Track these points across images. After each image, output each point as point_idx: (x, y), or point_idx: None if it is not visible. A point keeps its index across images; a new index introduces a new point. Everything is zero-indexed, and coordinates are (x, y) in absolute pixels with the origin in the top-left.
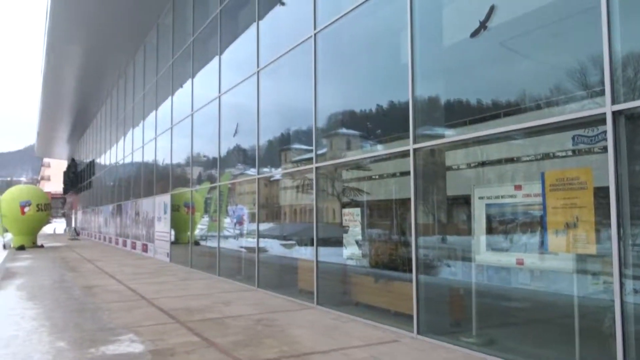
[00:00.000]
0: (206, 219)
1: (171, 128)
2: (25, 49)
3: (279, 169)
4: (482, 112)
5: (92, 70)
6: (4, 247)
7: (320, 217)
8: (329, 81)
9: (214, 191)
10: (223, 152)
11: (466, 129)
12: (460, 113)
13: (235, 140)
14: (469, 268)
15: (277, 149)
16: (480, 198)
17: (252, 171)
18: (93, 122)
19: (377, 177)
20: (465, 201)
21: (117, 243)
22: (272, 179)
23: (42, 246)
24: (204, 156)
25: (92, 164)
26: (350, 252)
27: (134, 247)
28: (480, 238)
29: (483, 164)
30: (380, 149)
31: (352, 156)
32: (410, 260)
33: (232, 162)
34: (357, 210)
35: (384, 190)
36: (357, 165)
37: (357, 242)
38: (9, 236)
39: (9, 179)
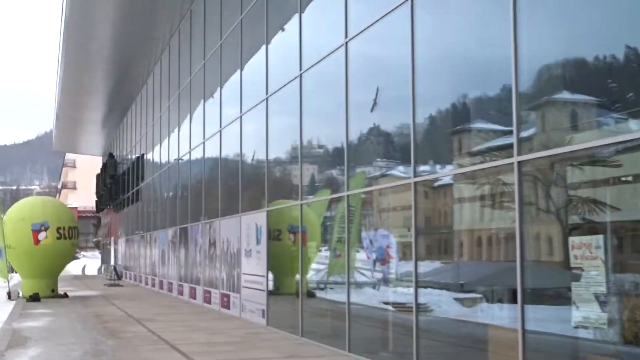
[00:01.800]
0: (326, 252)
1: (266, 99)
2: None
3: (450, 167)
4: None
5: (136, 17)
6: (9, 296)
7: (527, 252)
8: (540, 9)
9: (338, 205)
10: (353, 139)
11: None
12: None
13: (374, 117)
14: None
15: (446, 132)
16: None
17: (404, 171)
18: (138, 98)
19: (631, 178)
20: None
21: (180, 292)
22: (438, 183)
23: (65, 295)
24: (320, 146)
25: (139, 163)
26: (584, 316)
27: (207, 299)
28: None
29: None
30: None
31: (588, 141)
32: None
33: (367, 156)
34: (597, 239)
35: None
36: (593, 158)
37: (596, 297)
38: (16, 279)
39: (14, 187)
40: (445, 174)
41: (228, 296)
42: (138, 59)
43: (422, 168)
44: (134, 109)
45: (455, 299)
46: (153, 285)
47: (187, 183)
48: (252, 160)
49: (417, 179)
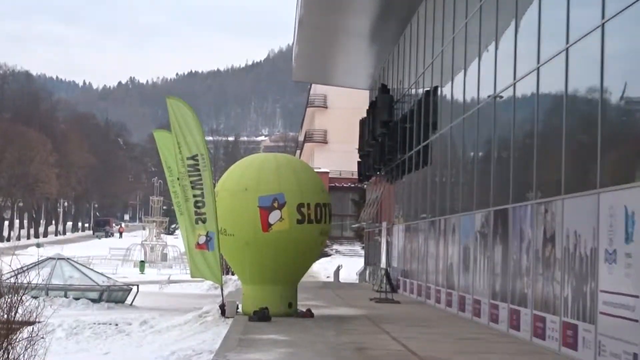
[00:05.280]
0: None
1: None
2: None
3: None
4: None
5: None
6: (223, 311)
7: None
8: None
9: None
10: None
11: None
12: None
13: None
14: None
15: None
16: None
17: None
18: (424, 2)
19: None
20: None
21: (492, 317)
22: None
23: (308, 313)
24: None
25: (428, 102)
26: None
27: (538, 332)
28: None
29: None
30: None
31: None
32: None
33: None
34: None
35: None
36: None
37: None
38: (233, 284)
39: (230, 138)
40: None
41: (574, 328)
42: None
43: None
44: (419, 17)
45: None
46: (448, 303)
47: (508, 137)
48: (621, 99)
49: None
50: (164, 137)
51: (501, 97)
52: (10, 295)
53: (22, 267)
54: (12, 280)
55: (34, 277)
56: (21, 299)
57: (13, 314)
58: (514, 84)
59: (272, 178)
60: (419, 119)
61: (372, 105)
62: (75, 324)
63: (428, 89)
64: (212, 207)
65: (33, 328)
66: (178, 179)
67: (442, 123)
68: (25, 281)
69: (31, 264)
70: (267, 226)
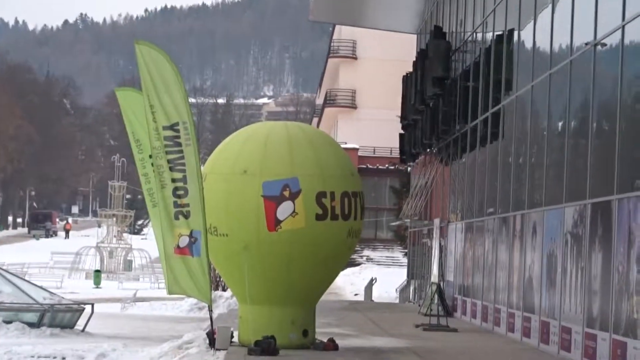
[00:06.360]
0: None
1: None
2: None
3: None
4: None
5: None
6: (211, 342)
7: None
8: None
9: None
10: None
11: None
12: None
13: None
14: None
15: None
16: None
17: None
18: None
19: None
20: None
21: (588, 354)
22: None
23: (331, 345)
24: None
25: (500, 48)
26: None
27: None
28: None
29: None
30: None
31: None
32: None
33: None
34: None
35: None
36: None
37: None
38: (223, 305)
39: (221, 100)
40: None
41: None
42: None
43: None
44: None
45: None
46: (526, 332)
47: (612, 101)
48: None
49: None
50: (130, 97)
51: (604, 44)
52: None
53: None
54: None
55: None
56: None
57: None
58: (622, 26)
59: (282, 156)
60: (487, 76)
61: (421, 55)
62: (7, 357)
63: (500, 33)
64: (199, 196)
65: None
66: (150, 156)
67: (519, 81)
68: None
69: None
70: (274, 224)
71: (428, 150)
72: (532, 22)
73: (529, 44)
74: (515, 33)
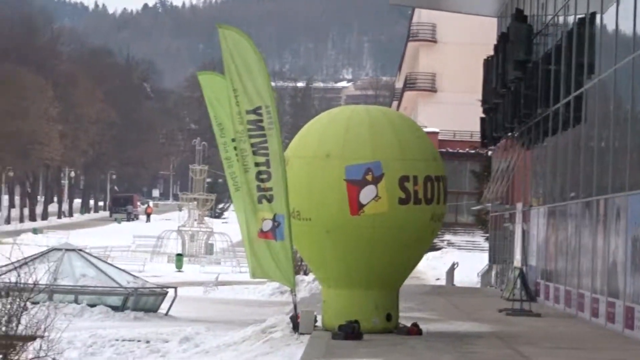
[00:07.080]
0: None
1: None
2: None
3: None
4: None
5: None
6: (295, 325)
7: None
8: None
9: None
10: None
11: None
12: None
13: None
14: None
15: None
16: None
17: None
18: None
19: None
20: None
21: None
22: None
23: (414, 330)
24: None
25: (583, 31)
26: None
27: None
28: None
29: None
30: None
31: None
32: None
33: None
34: None
35: None
36: None
37: None
38: (306, 289)
39: (301, 83)
40: None
41: None
42: None
43: None
44: None
45: None
46: (610, 317)
47: None
48: None
49: None
50: (212, 81)
51: None
52: (9, 301)
53: (18, 261)
54: (10, 279)
55: (43, 274)
56: (25, 305)
57: (14, 325)
58: None
59: (364, 140)
60: (569, 59)
61: (502, 39)
62: (92, 341)
63: (581, 16)
64: (282, 180)
65: (41, 345)
66: (233, 140)
67: (603, 64)
68: (28, 280)
69: (28, 257)
70: (357, 208)
71: (509, 134)
72: (615, 5)
73: (611, 28)
74: (598, 16)
